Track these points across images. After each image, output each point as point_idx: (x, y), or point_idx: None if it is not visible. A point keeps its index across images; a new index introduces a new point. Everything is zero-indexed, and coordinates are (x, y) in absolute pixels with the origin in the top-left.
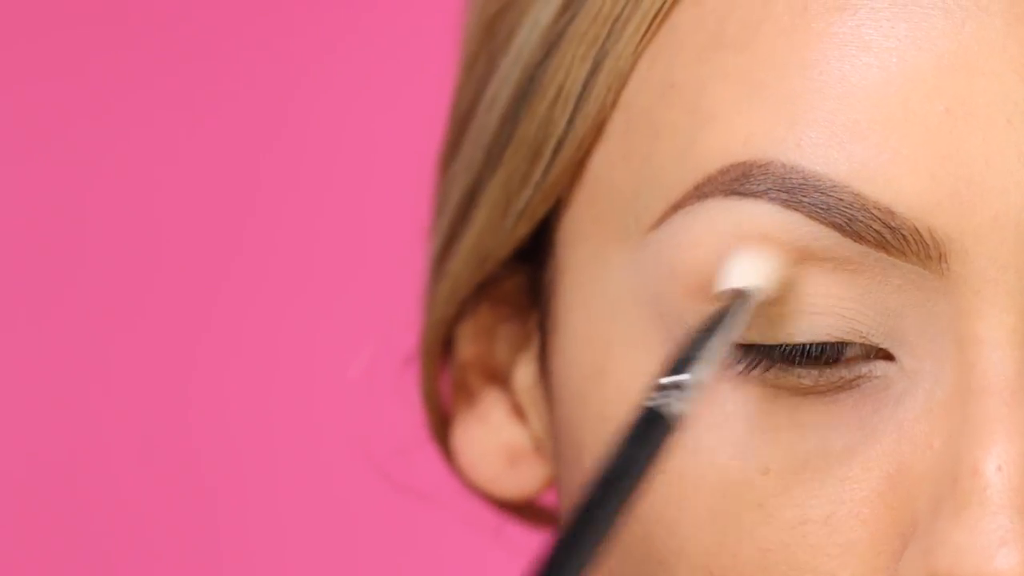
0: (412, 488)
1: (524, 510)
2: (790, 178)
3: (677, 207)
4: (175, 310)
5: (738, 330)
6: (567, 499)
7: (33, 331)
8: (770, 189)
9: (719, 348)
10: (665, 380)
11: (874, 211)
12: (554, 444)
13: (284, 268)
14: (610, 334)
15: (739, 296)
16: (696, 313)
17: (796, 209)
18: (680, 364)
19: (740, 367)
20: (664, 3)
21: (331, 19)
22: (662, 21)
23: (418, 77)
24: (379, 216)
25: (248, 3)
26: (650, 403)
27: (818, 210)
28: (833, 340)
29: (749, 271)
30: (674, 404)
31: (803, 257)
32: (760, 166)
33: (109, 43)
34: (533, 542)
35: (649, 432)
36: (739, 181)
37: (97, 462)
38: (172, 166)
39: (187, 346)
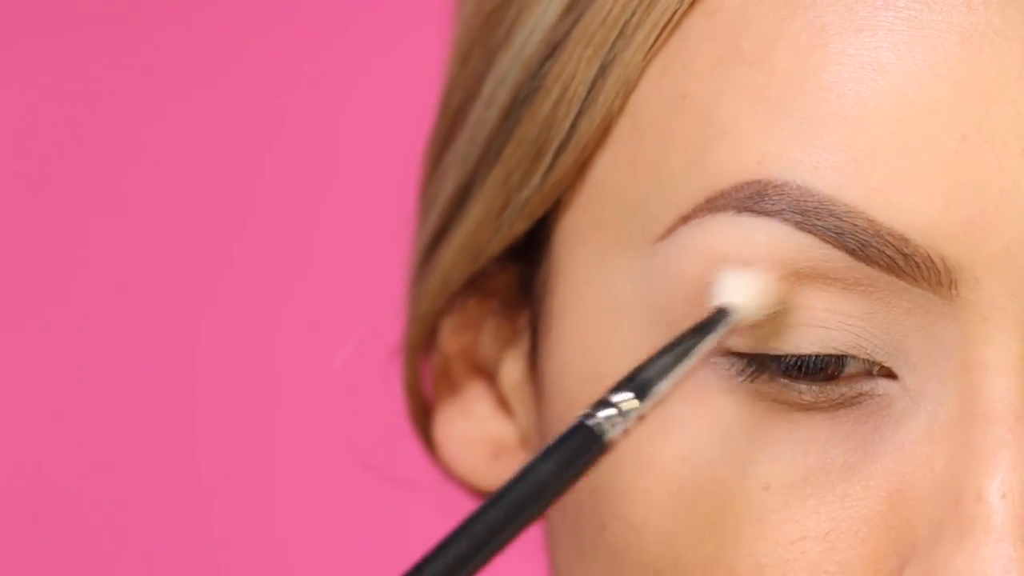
0: (409, 480)
1: None
2: (805, 200)
3: (687, 219)
4: (172, 307)
5: (708, 349)
6: None
7: (32, 330)
8: (784, 210)
9: (682, 368)
10: (613, 397)
11: (888, 237)
12: (541, 442)
13: (279, 262)
14: (608, 340)
15: (720, 315)
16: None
17: (809, 231)
18: (634, 382)
19: (740, 377)
20: (676, 11)
21: (327, 16)
22: (674, 29)
23: (411, 76)
24: (369, 208)
25: (246, 2)
26: (587, 420)
27: (831, 234)
28: (838, 353)
29: (736, 291)
30: (614, 423)
31: (813, 276)
32: (776, 186)
33: (108, 43)
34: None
35: (580, 446)
36: (753, 199)
37: (95, 461)
38: (169, 166)
39: (182, 347)
